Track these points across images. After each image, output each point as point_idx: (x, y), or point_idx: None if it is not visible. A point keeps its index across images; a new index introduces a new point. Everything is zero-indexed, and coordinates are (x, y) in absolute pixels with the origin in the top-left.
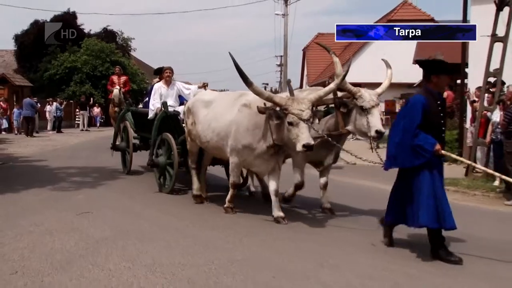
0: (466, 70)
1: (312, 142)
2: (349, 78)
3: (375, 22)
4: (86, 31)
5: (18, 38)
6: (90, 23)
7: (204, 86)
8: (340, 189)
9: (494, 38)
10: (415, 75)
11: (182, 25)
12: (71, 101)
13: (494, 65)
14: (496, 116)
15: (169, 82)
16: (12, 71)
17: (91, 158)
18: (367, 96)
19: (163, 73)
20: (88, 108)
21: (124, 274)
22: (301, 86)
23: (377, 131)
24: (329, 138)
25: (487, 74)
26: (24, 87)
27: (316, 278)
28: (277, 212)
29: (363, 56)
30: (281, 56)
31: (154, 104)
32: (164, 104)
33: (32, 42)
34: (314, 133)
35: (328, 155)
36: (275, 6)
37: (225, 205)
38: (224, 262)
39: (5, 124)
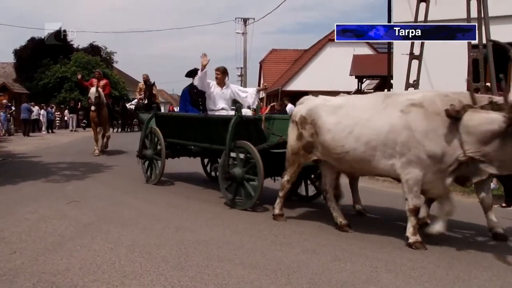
0: (392, 81)
1: None
2: (297, 86)
3: (314, 44)
4: (75, 46)
5: (17, 52)
6: (78, 39)
7: (265, 88)
8: None
9: (412, 56)
10: (351, 84)
11: (157, 41)
12: (62, 106)
13: (413, 77)
14: None
15: (222, 84)
16: (12, 81)
17: (79, 155)
18: None
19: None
20: (76, 111)
21: (107, 254)
22: None
23: None
24: None
25: (407, 85)
26: (22, 94)
27: (270, 253)
28: (438, 227)
29: (310, 67)
30: (241, 68)
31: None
32: (239, 107)
33: (29, 56)
34: None
35: (477, 169)
36: (235, 26)
37: (410, 241)
38: (193, 242)
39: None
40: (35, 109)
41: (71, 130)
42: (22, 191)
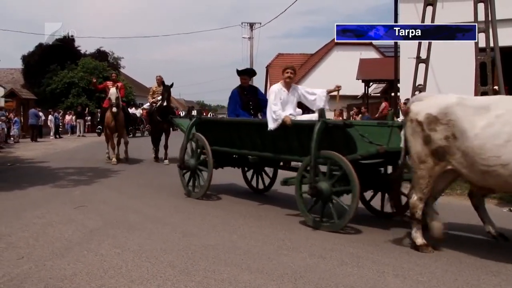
0: (398, 85)
1: None
2: None
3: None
4: (82, 51)
5: (25, 58)
6: (86, 45)
7: (338, 88)
8: None
9: (419, 60)
10: (358, 88)
11: (163, 46)
12: (69, 111)
13: (420, 81)
14: None
15: (289, 86)
16: (20, 86)
17: (87, 160)
18: None
19: (283, 73)
20: (84, 116)
21: (114, 258)
22: None
23: None
24: None
25: (414, 88)
26: (29, 100)
27: (277, 258)
28: None
29: (316, 71)
30: None
31: (277, 112)
32: (322, 112)
33: (37, 62)
34: None
35: None
36: (242, 30)
37: None
38: (199, 247)
39: (14, 131)
40: (40, 114)
41: (79, 135)
42: (29, 196)
